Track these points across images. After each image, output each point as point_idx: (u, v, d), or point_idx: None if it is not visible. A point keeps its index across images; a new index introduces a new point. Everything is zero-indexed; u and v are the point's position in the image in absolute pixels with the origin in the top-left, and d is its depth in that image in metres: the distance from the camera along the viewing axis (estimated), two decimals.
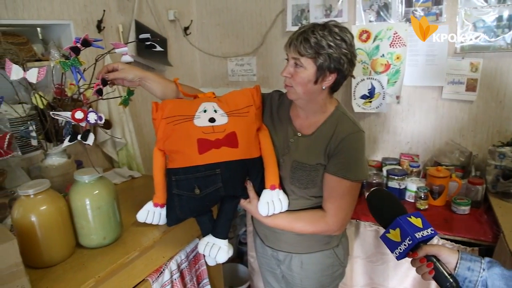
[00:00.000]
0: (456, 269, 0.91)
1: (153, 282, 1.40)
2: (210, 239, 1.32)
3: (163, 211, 1.34)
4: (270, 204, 1.28)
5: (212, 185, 1.23)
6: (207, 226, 1.34)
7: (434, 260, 0.91)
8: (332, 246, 1.43)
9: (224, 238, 1.32)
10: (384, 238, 0.96)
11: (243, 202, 1.34)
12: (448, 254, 0.92)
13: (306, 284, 1.47)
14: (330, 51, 1.18)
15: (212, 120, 1.25)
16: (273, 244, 1.49)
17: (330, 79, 1.24)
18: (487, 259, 0.92)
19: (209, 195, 1.24)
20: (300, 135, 1.36)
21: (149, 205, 1.34)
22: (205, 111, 1.27)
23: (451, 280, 0.88)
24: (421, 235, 0.91)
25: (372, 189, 1.09)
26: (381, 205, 1.03)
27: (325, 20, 1.26)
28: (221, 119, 1.26)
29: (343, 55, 1.20)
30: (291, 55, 1.24)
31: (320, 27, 1.20)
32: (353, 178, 1.26)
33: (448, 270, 0.90)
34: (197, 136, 1.22)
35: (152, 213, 1.33)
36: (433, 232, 0.93)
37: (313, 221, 1.32)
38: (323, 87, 1.25)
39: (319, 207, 1.35)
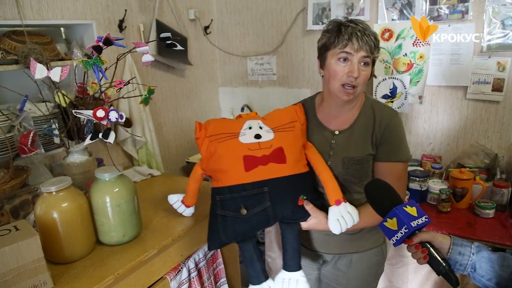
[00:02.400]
0: (449, 253, 0.97)
1: (171, 280, 1.41)
2: (284, 275, 1.25)
3: (187, 210, 1.41)
4: (341, 220, 1.20)
5: (260, 205, 1.16)
6: (250, 254, 1.23)
7: (428, 246, 0.96)
8: (379, 243, 1.43)
9: (298, 270, 1.24)
10: (382, 226, 1.00)
11: (305, 225, 1.25)
12: (441, 240, 0.98)
13: (352, 283, 1.44)
14: (379, 43, 1.22)
15: (258, 136, 1.21)
16: (320, 248, 1.44)
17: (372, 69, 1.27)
18: (476, 243, 0.99)
19: (256, 216, 1.17)
20: (338, 132, 1.33)
21: (180, 196, 1.40)
22: (250, 128, 1.23)
23: (444, 264, 0.94)
24: (416, 224, 0.96)
25: (370, 180, 1.10)
26: (378, 195, 1.06)
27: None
28: (267, 135, 1.22)
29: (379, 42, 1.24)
30: (359, 54, 1.18)
31: (357, 21, 1.20)
32: (405, 158, 1.29)
33: (441, 255, 0.95)
34: (243, 153, 1.18)
35: (179, 203, 1.39)
36: (427, 220, 0.98)
37: None
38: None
39: None
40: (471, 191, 1.95)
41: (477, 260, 0.96)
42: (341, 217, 1.20)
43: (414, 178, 2.04)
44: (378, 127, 1.28)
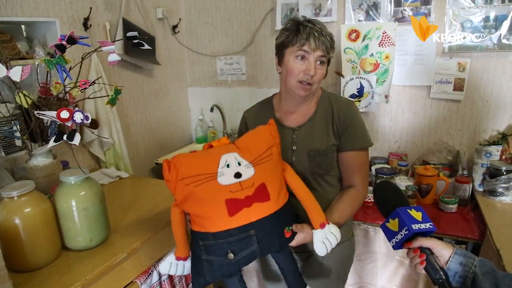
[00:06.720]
0: (448, 262, 0.92)
1: (141, 284, 1.38)
2: None
3: (187, 262, 1.23)
4: (326, 242, 1.18)
5: (247, 248, 1.11)
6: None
7: (428, 252, 0.93)
8: (348, 237, 1.47)
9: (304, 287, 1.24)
10: (383, 227, 0.99)
11: (293, 243, 1.22)
12: (443, 248, 0.94)
13: (324, 277, 1.46)
14: (334, 44, 1.29)
15: (238, 175, 1.10)
16: (294, 248, 1.42)
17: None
18: (480, 258, 0.93)
19: (244, 258, 1.12)
20: (297, 128, 1.37)
21: (171, 258, 1.22)
22: (228, 165, 1.11)
23: (441, 273, 0.90)
24: (418, 227, 0.93)
25: (379, 180, 1.12)
26: (385, 196, 1.06)
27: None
28: (248, 172, 1.11)
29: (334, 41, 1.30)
30: (316, 54, 1.25)
31: (315, 21, 1.27)
32: (368, 144, 1.36)
33: (439, 264, 0.91)
34: (225, 196, 1.08)
35: (175, 266, 1.22)
36: (431, 226, 0.95)
37: (354, 200, 1.35)
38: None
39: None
40: (435, 187, 2.02)
41: (479, 274, 0.88)
42: (326, 239, 1.19)
43: (382, 175, 2.09)
44: (336, 118, 1.33)
